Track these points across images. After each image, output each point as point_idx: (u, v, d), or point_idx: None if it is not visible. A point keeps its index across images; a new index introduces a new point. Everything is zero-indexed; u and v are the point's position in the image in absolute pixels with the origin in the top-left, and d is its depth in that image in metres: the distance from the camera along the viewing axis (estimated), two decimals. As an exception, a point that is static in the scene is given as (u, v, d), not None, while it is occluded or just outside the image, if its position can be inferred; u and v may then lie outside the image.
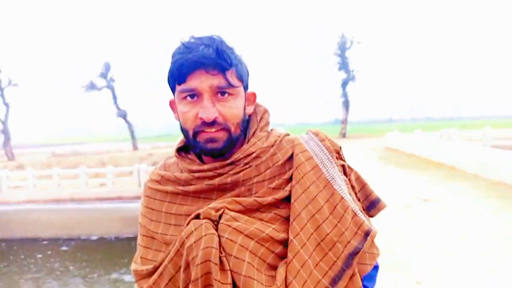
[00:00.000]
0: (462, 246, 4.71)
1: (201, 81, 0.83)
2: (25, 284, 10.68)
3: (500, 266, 4.02)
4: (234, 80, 0.86)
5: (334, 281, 0.81)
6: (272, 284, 0.80)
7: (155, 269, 0.88)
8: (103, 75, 25.64)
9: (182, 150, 0.98)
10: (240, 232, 0.81)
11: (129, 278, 10.53)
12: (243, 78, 0.90)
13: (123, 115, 26.09)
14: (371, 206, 1.00)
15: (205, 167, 0.90)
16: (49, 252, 12.69)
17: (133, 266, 0.95)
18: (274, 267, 0.82)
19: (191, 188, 0.90)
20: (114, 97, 25.87)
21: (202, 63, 0.82)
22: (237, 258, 0.79)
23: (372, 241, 0.87)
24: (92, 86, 25.74)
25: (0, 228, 14.43)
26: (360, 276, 0.85)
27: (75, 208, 14.12)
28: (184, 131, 0.90)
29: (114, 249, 12.97)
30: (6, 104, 26.05)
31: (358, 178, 1.01)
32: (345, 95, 28.90)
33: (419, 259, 4.31)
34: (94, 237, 13.90)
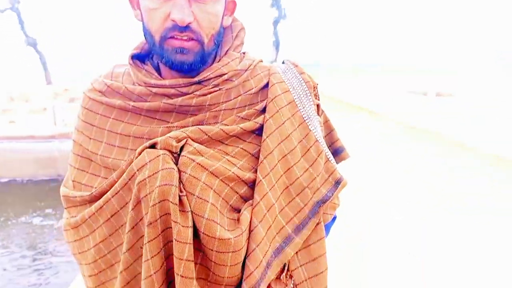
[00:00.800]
0: (379, 186, 5.07)
1: None
2: None
3: (432, 215, 4.38)
4: None
5: (298, 228, 0.75)
6: (235, 227, 0.71)
7: (92, 198, 0.73)
8: (6, -5, 22.26)
9: (137, 58, 0.82)
10: (205, 168, 0.69)
11: (39, 221, 10.07)
12: None
13: (32, 43, 23.26)
14: (335, 153, 0.94)
15: (167, 82, 0.76)
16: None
17: (62, 190, 0.79)
18: (236, 210, 0.74)
19: (145, 105, 0.76)
20: (21, 22, 22.80)
21: None
22: (200, 198, 0.68)
23: (341, 190, 0.81)
24: (-8, 8, 22.30)
25: None
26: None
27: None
28: (147, 33, 0.74)
29: (26, 192, 12.18)
30: None
31: (327, 122, 0.93)
32: (275, 34, 28.58)
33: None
34: (4, 179, 12.87)
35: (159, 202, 0.65)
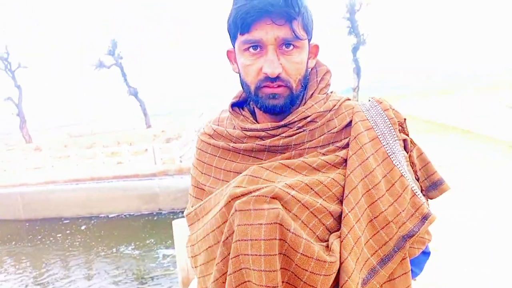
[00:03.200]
0: (479, 212, 4.69)
1: (267, 32, 0.76)
2: (51, 261, 11.13)
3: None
4: (300, 32, 0.78)
5: (383, 261, 0.77)
6: (329, 253, 0.73)
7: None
8: (111, 53, 25.53)
9: (237, 105, 0.93)
10: (298, 201, 0.75)
11: (143, 251, 10.86)
12: (308, 29, 0.81)
13: (134, 93, 26.13)
14: (433, 186, 0.93)
15: (258, 126, 0.85)
16: (68, 231, 13.15)
17: (185, 212, 0.94)
18: (322, 240, 0.76)
19: (242, 146, 0.87)
20: (124, 75, 25.83)
21: (268, 11, 0.75)
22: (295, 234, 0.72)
23: (428, 225, 0.80)
24: (101, 65, 25.70)
25: (24, 208, 14.96)
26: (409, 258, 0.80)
27: (94, 187, 14.45)
28: (244, 85, 0.85)
29: (132, 226, 13.35)
30: (18, 87, 26.28)
31: (421, 154, 0.93)
32: (355, 60, 28.16)
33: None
34: (113, 215, 14.29)
35: (267, 240, 0.71)
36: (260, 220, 0.71)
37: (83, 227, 13.45)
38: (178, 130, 18.67)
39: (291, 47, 0.79)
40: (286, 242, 0.71)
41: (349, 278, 0.72)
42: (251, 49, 0.79)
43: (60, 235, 13.00)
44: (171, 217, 12.21)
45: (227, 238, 0.76)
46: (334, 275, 0.73)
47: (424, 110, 15.66)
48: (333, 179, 0.79)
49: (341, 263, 0.73)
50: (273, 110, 0.82)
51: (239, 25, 0.78)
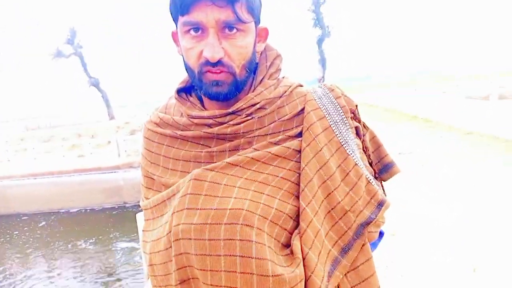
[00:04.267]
0: (445, 198, 4.89)
1: (207, 14, 0.73)
2: (12, 259, 10.67)
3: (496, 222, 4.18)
4: (244, 14, 0.75)
5: (344, 251, 0.78)
6: (291, 262, 0.72)
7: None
8: (70, 42, 24.51)
9: (184, 91, 0.91)
10: (254, 213, 0.72)
11: (108, 245, 10.63)
12: (254, 12, 0.79)
13: (95, 83, 25.24)
14: (384, 169, 0.94)
15: (205, 113, 0.83)
16: (25, 228, 12.64)
17: (141, 204, 0.92)
18: (287, 246, 0.76)
19: (189, 133, 0.85)
20: (84, 65, 24.90)
21: None
22: (258, 243, 0.70)
23: (384, 211, 0.81)
24: (58, 54, 24.61)
25: (-22, 206, 14.19)
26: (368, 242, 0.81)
27: (54, 181, 13.91)
28: (187, 69, 0.82)
29: (95, 220, 13.01)
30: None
31: (373, 138, 0.94)
32: (321, 52, 28.60)
33: (405, 220, 4.45)
34: (74, 210, 13.86)
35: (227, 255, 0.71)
36: (218, 251, 0.71)
37: (42, 224, 12.94)
38: (144, 122, 18.29)
39: (234, 30, 0.76)
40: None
41: (312, 273, 0.72)
42: (192, 32, 0.76)
43: (17, 232, 12.45)
44: (137, 210, 11.97)
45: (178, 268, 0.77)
46: (302, 283, 0.71)
47: (386, 100, 16.13)
48: (282, 177, 0.78)
49: (303, 259, 0.72)
50: (217, 97, 0.80)
51: (178, 5, 0.75)
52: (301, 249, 0.73)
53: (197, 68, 0.78)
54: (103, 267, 9.67)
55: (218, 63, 0.75)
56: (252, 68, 0.84)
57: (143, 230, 0.91)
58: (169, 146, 0.88)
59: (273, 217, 0.74)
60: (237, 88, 0.80)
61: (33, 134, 19.88)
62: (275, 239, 0.74)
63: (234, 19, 0.74)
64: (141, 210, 1.02)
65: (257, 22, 0.82)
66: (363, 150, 0.90)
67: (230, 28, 0.75)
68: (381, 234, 0.88)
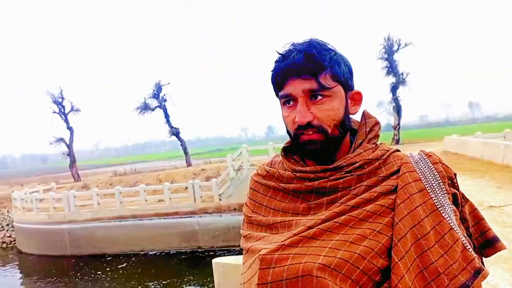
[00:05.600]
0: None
1: (295, 87, 0.86)
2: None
3: None
4: (327, 82, 0.86)
5: None
6: None
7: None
8: (155, 96, 26.90)
9: (288, 150, 1.01)
10: (346, 261, 0.77)
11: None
12: (340, 79, 0.88)
13: (175, 132, 27.12)
14: (487, 244, 0.92)
15: (307, 169, 0.92)
16: (108, 269, 13.45)
17: (241, 245, 0.98)
18: None
19: (291, 186, 0.92)
20: (167, 116, 27.02)
21: (293, 70, 0.85)
22: None
23: (481, 281, 0.80)
24: (145, 107, 27.07)
25: (70, 244, 15.53)
26: None
27: (136, 224, 14.84)
28: (288, 133, 0.93)
29: (171, 264, 13.46)
30: (70, 128, 28.12)
31: (474, 211, 0.93)
32: (395, 100, 27.89)
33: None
34: (153, 252, 14.50)
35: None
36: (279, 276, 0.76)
37: (123, 265, 13.71)
38: (217, 169, 19.00)
39: (320, 97, 0.86)
40: None
41: None
42: (286, 103, 0.89)
43: (100, 272, 13.31)
44: (210, 254, 12.21)
45: None
46: None
47: (469, 148, 15.08)
48: (378, 231, 0.80)
49: None
50: (311, 154, 0.90)
51: (274, 84, 0.91)
52: None
53: (293, 132, 0.89)
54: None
55: (308, 125, 0.86)
56: (346, 128, 0.91)
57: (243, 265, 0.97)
58: (271, 197, 0.96)
59: (364, 267, 0.77)
60: (330, 144, 0.88)
61: (120, 179, 21.61)
62: (360, 286, 0.76)
63: (318, 87, 0.85)
64: (216, 255, 1.08)
65: (346, 86, 0.90)
66: (462, 221, 0.89)
67: (316, 95, 0.86)
68: None
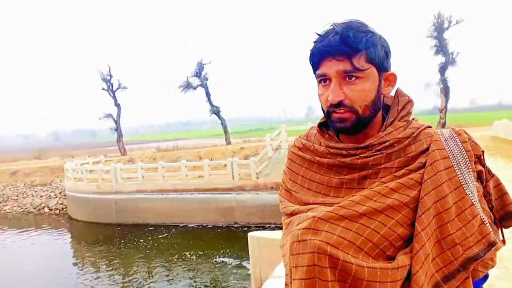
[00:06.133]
0: None
1: (330, 67, 0.90)
2: (137, 263, 12.12)
3: None
4: (361, 64, 0.89)
5: (447, 278, 0.85)
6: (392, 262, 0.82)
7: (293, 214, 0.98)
8: (197, 74, 27.35)
9: (324, 125, 1.06)
10: (367, 227, 0.85)
11: (220, 261, 11.27)
12: (374, 61, 0.91)
13: (216, 111, 27.56)
14: (507, 217, 0.99)
15: (340, 145, 0.97)
16: (149, 238, 14.17)
17: (281, 209, 1.09)
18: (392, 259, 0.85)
19: (325, 160, 0.99)
20: (208, 95, 27.47)
21: (328, 52, 0.90)
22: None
23: (495, 252, 0.87)
24: (188, 86, 27.62)
25: (116, 214, 16.53)
26: (472, 280, 0.87)
27: (177, 197, 15.48)
28: (322, 110, 0.98)
29: (208, 237, 13.99)
30: (118, 105, 29.32)
31: (498, 185, 0.99)
32: (444, 81, 26.50)
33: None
34: (192, 225, 15.12)
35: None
36: (304, 249, 0.85)
37: (164, 235, 14.43)
38: (256, 148, 19.24)
39: (354, 78, 0.90)
40: (337, 269, 0.81)
41: None
42: (322, 82, 0.94)
43: (142, 240, 14.10)
44: (246, 230, 12.59)
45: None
46: (400, 282, 0.81)
47: (521, 134, 14.23)
48: (404, 203, 0.87)
49: (412, 275, 0.82)
50: (341, 131, 0.95)
51: (311, 64, 0.96)
52: (412, 265, 0.82)
53: (326, 109, 0.95)
54: (211, 279, 10.35)
55: (340, 104, 0.91)
56: (377, 108, 0.95)
57: (282, 238, 1.05)
58: (307, 168, 1.03)
59: (385, 233, 0.84)
60: (360, 124, 0.93)
61: (163, 155, 22.46)
62: (381, 249, 0.84)
63: (352, 69, 0.89)
64: (251, 230, 1.17)
65: (380, 68, 0.93)
66: (485, 195, 0.95)
67: (350, 76, 0.90)
68: (486, 276, 0.92)
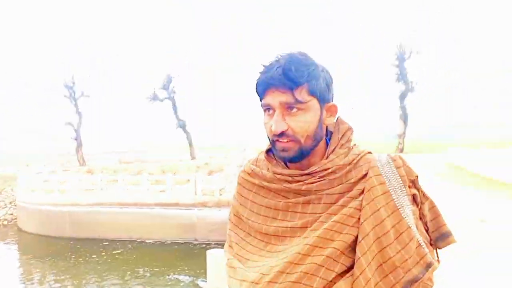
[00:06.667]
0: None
1: (273, 98, 0.95)
2: (89, 277, 11.59)
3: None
4: (303, 96, 0.93)
5: None
6: None
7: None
8: (165, 87, 27.11)
9: (271, 151, 1.09)
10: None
11: (179, 278, 11.00)
12: (316, 93, 0.95)
13: (182, 125, 27.33)
14: (440, 238, 1.03)
15: (286, 172, 1.02)
16: (103, 254, 13.67)
17: (225, 247, 1.14)
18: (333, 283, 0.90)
19: (272, 186, 1.04)
20: (175, 108, 27.23)
21: (271, 84, 0.94)
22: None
23: (432, 273, 0.92)
24: (155, 97, 27.29)
25: (70, 227, 15.80)
26: None
27: (137, 211, 15.04)
28: (268, 138, 1.02)
29: (166, 253, 13.64)
30: (79, 113, 28.39)
31: (433, 207, 1.05)
32: (403, 108, 27.77)
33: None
34: (150, 241, 14.70)
35: None
36: None
37: (119, 250, 13.93)
38: (221, 164, 19.16)
39: (295, 109, 0.94)
40: None
41: None
42: (267, 111, 0.98)
43: (95, 255, 13.55)
44: (204, 247, 12.40)
45: None
46: None
47: (472, 162, 15.10)
48: (346, 233, 0.92)
49: None
50: (284, 160, 1.01)
51: (257, 92, 1.00)
52: None
53: (270, 137, 0.99)
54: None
55: (283, 134, 0.95)
56: (319, 137, 1.00)
57: (226, 265, 1.11)
58: (256, 193, 1.08)
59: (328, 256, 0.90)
60: (302, 154, 0.97)
61: (125, 167, 21.84)
62: (326, 268, 0.90)
63: (293, 101, 0.93)
64: (211, 248, 1.19)
65: (322, 100, 0.98)
66: (420, 217, 1.00)
67: (292, 107, 0.94)
68: None
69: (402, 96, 27.66)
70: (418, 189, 1.02)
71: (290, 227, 0.98)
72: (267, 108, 0.97)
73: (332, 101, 1.03)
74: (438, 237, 1.03)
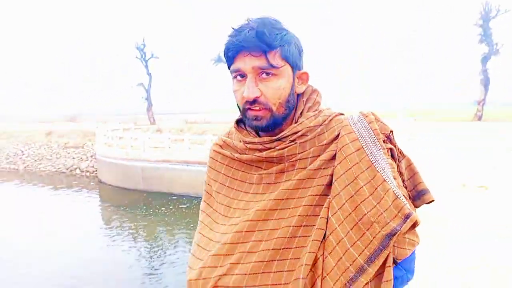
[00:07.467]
0: None
1: (245, 62, 0.89)
2: (157, 230, 12.60)
3: None
4: (276, 61, 0.89)
5: (370, 260, 0.83)
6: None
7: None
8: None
9: (242, 122, 1.06)
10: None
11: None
12: (289, 59, 0.92)
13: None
14: (417, 196, 1.00)
15: (256, 140, 0.98)
16: (171, 207, 14.65)
17: (201, 208, 1.10)
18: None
19: (244, 156, 1.00)
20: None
21: (244, 47, 0.88)
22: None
23: (413, 225, 0.85)
24: (219, 59, 27.68)
25: (143, 181, 17.08)
26: (399, 259, 0.87)
27: (201, 170, 15.78)
28: (238, 106, 0.97)
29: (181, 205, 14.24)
30: (149, 74, 29.86)
31: (410, 165, 1.02)
32: (484, 72, 25.34)
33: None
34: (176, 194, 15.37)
35: None
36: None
37: (186, 205, 14.86)
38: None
39: (269, 75, 0.89)
40: None
41: (327, 275, 0.84)
42: (237, 77, 0.92)
43: (163, 208, 14.58)
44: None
45: None
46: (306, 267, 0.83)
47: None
48: (321, 194, 0.90)
49: (322, 261, 0.84)
50: (257, 129, 0.95)
51: (226, 58, 0.93)
52: (323, 252, 0.85)
53: (241, 105, 0.94)
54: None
55: (255, 101, 0.90)
56: (291, 106, 0.96)
57: (196, 233, 1.09)
58: (228, 165, 1.04)
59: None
60: (275, 122, 0.93)
61: (190, 127, 22.83)
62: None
63: (267, 65, 0.88)
64: None
65: (294, 66, 0.94)
66: (398, 174, 0.95)
67: (266, 73, 0.89)
68: (405, 279, 0.91)
69: (485, 59, 25.17)
70: (394, 145, 0.97)
71: (260, 201, 0.94)
72: (238, 74, 0.92)
73: (303, 68, 0.99)
74: (415, 196, 1.00)
